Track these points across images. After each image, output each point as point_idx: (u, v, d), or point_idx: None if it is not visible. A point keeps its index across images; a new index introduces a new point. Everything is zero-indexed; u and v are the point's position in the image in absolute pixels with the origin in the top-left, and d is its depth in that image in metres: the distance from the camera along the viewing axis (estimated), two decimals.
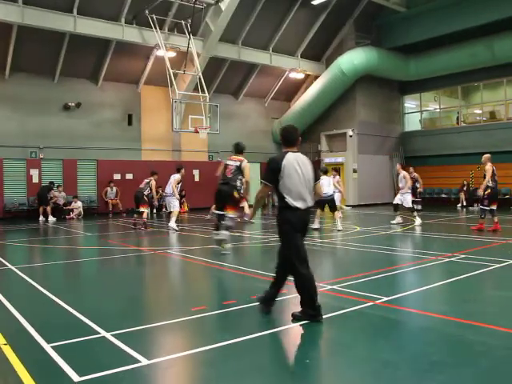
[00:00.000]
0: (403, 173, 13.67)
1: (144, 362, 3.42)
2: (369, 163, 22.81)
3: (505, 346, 3.67)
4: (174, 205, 12.65)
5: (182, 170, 12.89)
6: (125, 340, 3.85)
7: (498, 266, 6.81)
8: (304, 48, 22.28)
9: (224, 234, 8.30)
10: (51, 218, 16.80)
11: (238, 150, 8.58)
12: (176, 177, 12.64)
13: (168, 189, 12.83)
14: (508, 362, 3.37)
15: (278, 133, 24.43)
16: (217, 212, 8.58)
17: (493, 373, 3.21)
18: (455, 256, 7.70)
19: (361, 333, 4.15)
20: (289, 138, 4.57)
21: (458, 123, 23.86)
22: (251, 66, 22.08)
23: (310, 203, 4.44)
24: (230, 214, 8.39)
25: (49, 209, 17.07)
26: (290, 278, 6.34)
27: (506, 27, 19.12)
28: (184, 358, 3.59)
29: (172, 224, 12.37)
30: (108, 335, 4.00)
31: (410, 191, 13.57)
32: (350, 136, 22.48)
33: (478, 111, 23.50)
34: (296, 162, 4.39)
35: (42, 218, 16.77)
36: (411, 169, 17.38)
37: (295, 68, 22.43)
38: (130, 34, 17.78)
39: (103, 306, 5.19)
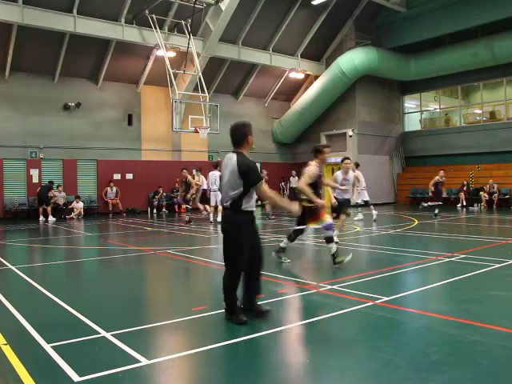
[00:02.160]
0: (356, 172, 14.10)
1: (144, 361, 3.42)
2: (369, 163, 22.79)
3: (505, 346, 3.67)
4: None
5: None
6: (125, 340, 3.85)
7: (498, 265, 6.81)
8: (304, 48, 22.28)
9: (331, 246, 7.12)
10: (51, 218, 16.80)
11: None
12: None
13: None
14: (508, 362, 3.37)
15: (277, 133, 24.47)
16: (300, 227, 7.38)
17: (493, 373, 3.21)
18: (455, 256, 7.69)
19: (361, 333, 4.14)
20: (232, 140, 4.55)
21: (447, 125, 23.89)
22: (251, 66, 22.08)
23: (226, 204, 4.38)
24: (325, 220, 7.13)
25: (49, 209, 17.07)
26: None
27: (506, 27, 19.12)
28: (184, 358, 3.59)
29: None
30: (108, 335, 4.00)
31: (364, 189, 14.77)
32: (350, 136, 22.48)
33: (478, 111, 23.50)
34: (225, 163, 4.48)
35: (41, 217, 16.77)
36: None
37: (295, 68, 22.43)
38: (130, 34, 17.78)
39: (103, 306, 5.19)
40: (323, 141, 23.90)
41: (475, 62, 20.54)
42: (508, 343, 3.74)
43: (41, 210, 16.94)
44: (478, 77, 21.84)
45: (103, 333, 4.07)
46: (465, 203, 20.69)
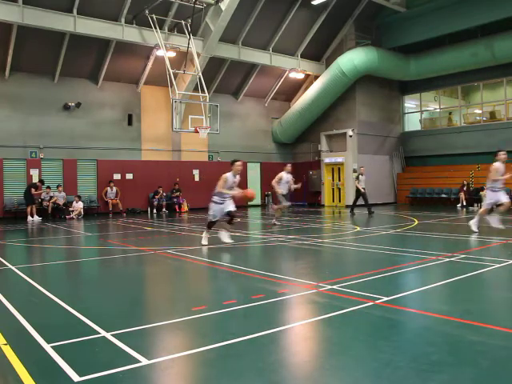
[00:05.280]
0: None
1: (144, 361, 3.41)
2: (369, 163, 22.79)
3: (505, 346, 3.67)
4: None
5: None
6: (125, 340, 3.85)
7: (498, 265, 6.81)
8: (304, 48, 22.29)
9: None
10: (36, 218, 16.70)
11: None
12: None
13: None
14: (508, 362, 3.37)
15: (277, 133, 24.46)
16: None
17: (493, 373, 3.21)
18: (455, 256, 7.69)
19: (361, 333, 4.14)
20: None
21: (451, 124, 23.87)
22: (251, 66, 22.08)
23: None
24: None
25: (30, 209, 16.83)
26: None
27: (506, 27, 19.13)
28: (184, 358, 3.59)
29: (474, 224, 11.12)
30: (108, 335, 4.00)
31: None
32: (350, 136, 22.48)
33: (478, 111, 23.51)
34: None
35: (29, 218, 16.62)
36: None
37: (295, 68, 22.44)
38: (130, 34, 17.79)
39: (103, 306, 5.19)
40: (323, 141, 23.92)
41: (475, 62, 20.54)
42: (508, 343, 3.74)
43: (28, 209, 16.85)
44: (477, 77, 21.85)
45: (103, 333, 4.06)
46: (465, 203, 20.69)
